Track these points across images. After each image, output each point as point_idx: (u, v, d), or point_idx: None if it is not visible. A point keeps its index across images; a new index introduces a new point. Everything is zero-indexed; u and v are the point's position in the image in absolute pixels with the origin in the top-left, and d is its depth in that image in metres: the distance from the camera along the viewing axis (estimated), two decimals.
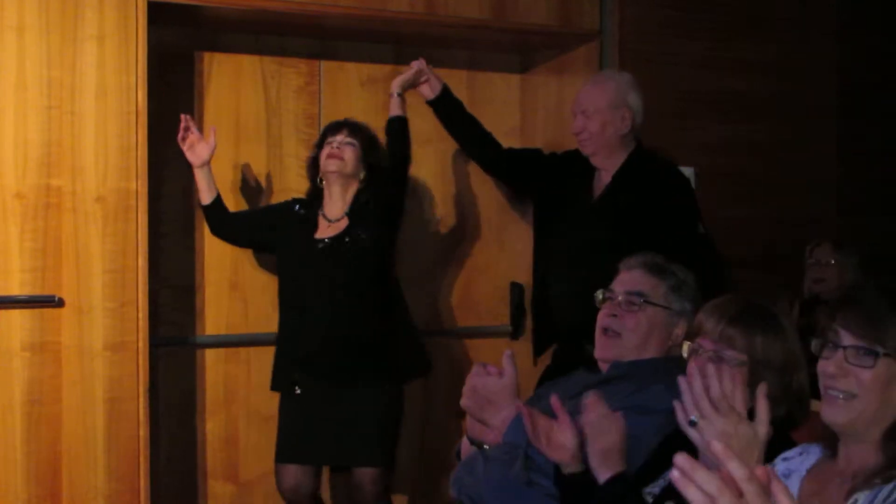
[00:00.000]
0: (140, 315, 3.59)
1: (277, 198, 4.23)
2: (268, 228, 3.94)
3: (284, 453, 3.83)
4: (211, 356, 4.16)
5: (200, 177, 3.85)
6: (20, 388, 3.46)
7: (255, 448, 4.16)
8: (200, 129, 3.87)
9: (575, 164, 3.89)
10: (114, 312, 3.56)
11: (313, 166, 3.94)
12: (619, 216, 3.65)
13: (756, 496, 1.22)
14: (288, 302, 3.87)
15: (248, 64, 4.25)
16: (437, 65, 4.18)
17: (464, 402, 2.62)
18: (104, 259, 3.55)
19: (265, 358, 4.01)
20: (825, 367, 1.82)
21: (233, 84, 4.22)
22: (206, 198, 3.87)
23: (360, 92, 4.41)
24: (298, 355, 3.79)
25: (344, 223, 3.85)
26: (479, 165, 4.26)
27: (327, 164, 3.85)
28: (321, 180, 3.90)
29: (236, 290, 4.19)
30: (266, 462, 3.98)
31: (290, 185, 4.24)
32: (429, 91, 4.04)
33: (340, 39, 4.34)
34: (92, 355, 3.53)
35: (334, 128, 3.91)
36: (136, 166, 3.58)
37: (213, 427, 4.15)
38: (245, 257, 4.19)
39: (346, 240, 3.80)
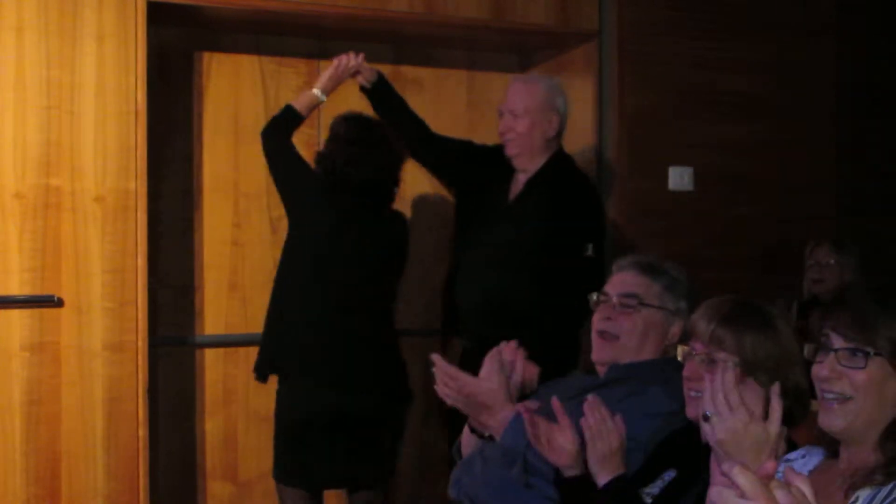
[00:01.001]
0: (139, 315, 3.59)
1: (276, 197, 4.21)
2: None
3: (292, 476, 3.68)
4: (210, 356, 4.16)
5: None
6: (19, 388, 3.46)
7: (254, 448, 4.16)
8: (201, 130, 3.86)
9: (499, 161, 3.80)
10: (113, 312, 3.56)
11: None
12: (529, 220, 3.60)
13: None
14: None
15: (248, 64, 4.25)
16: (436, 64, 4.18)
17: (452, 403, 2.63)
18: (103, 259, 3.55)
19: None
20: (818, 371, 1.83)
21: (232, 84, 4.22)
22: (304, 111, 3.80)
23: (359, 92, 4.40)
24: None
25: None
26: (410, 154, 4.08)
27: None
28: None
29: (235, 290, 4.19)
30: (265, 462, 3.98)
31: None
32: (363, 80, 3.91)
33: (339, 39, 4.33)
34: (91, 355, 3.53)
35: None
36: (135, 166, 3.58)
37: (212, 427, 4.15)
38: (244, 257, 4.19)
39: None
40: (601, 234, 3.71)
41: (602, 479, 2.22)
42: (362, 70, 3.88)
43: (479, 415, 2.61)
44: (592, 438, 2.27)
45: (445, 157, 4.01)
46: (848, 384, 1.79)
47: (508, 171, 3.77)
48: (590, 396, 2.36)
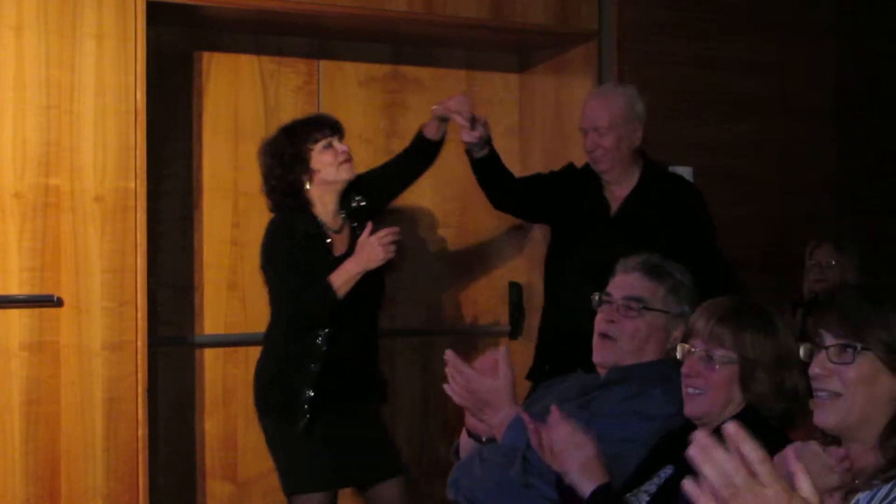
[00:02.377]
0: (139, 314, 3.59)
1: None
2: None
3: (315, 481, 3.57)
4: (209, 356, 4.16)
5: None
6: (19, 388, 3.46)
7: (253, 447, 4.16)
8: (200, 130, 3.86)
9: (579, 180, 3.83)
10: (112, 312, 3.56)
11: (293, 178, 3.54)
12: (640, 230, 3.60)
13: (771, 476, 1.23)
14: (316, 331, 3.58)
15: (247, 63, 4.25)
16: (435, 64, 4.18)
17: (458, 400, 2.62)
18: (103, 258, 3.55)
19: None
20: (811, 369, 1.83)
21: (231, 84, 4.22)
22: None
23: (359, 91, 4.41)
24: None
25: (346, 232, 3.63)
26: (491, 204, 3.99)
27: (341, 172, 3.54)
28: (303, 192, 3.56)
29: (235, 290, 4.19)
30: (264, 461, 3.98)
31: None
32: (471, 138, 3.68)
33: (339, 39, 4.34)
34: (90, 355, 3.53)
35: (313, 124, 3.60)
36: (134, 166, 3.58)
37: (211, 427, 4.15)
38: (243, 257, 4.19)
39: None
40: (713, 227, 3.76)
41: (586, 489, 2.20)
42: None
43: (482, 412, 2.61)
44: (566, 452, 2.25)
45: (523, 199, 3.93)
46: (838, 381, 1.79)
47: (592, 188, 3.77)
48: (553, 412, 2.32)
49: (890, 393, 1.78)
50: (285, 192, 3.57)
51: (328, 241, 3.58)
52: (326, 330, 3.53)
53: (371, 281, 3.55)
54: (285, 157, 3.55)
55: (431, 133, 3.73)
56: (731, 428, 1.27)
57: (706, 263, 3.50)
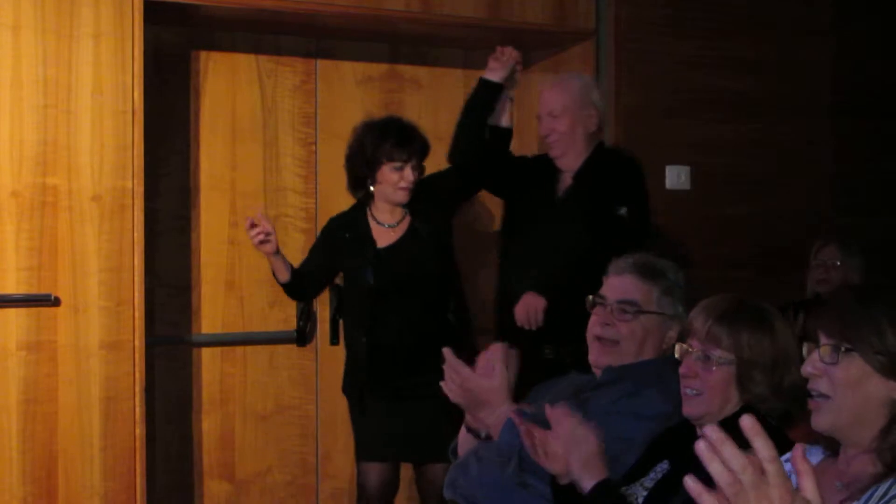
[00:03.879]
0: (136, 314, 3.59)
1: (274, 197, 4.23)
2: (332, 268, 3.83)
3: (372, 451, 3.77)
4: (207, 355, 4.16)
5: (276, 260, 3.65)
6: (16, 387, 3.46)
7: (251, 447, 4.16)
8: (198, 129, 3.86)
9: (542, 168, 3.81)
10: (110, 311, 3.56)
11: (360, 175, 3.72)
12: (580, 212, 3.60)
13: (778, 476, 1.23)
14: (361, 320, 3.74)
15: (245, 63, 4.24)
16: (432, 63, 4.18)
17: (455, 398, 2.62)
18: (100, 258, 3.55)
19: (261, 357, 4.01)
20: (803, 367, 1.82)
21: (229, 83, 4.22)
22: (284, 275, 3.68)
23: (357, 90, 4.41)
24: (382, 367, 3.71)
25: (405, 225, 3.75)
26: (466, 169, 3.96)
27: (397, 196, 3.68)
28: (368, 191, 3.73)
29: (232, 289, 4.19)
30: (262, 461, 3.98)
31: (287, 184, 4.24)
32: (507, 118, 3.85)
33: (337, 38, 4.34)
34: (88, 354, 3.53)
35: (401, 145, 3.67)
36: (131, 165, 3.58)
37: (209, 426, 4.15)
38: (241, 256, 4.19)
39: (413, 238, 3.72)
40: (639, 201, 3.68)
41: (586, 483, 2.20)
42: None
43: (479, 411, 2.61)
44: (568, 446, 2.25)
45: (494, 171, 3.93)
46: (828, 382, 1.78)
47: (550, 176, 3.76)
48: (554, 408, 2.32)
49: (881, 397, 1.76)
50: (352, 180, 3.75)
51: (371, 235, 3.74)
52: (368, 320, 3.70)
53: (412, 271, 3.67)
54: (359, 154, 3.70)
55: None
56: (747, 421, 1.26)
57: (633, 231, 3.54)
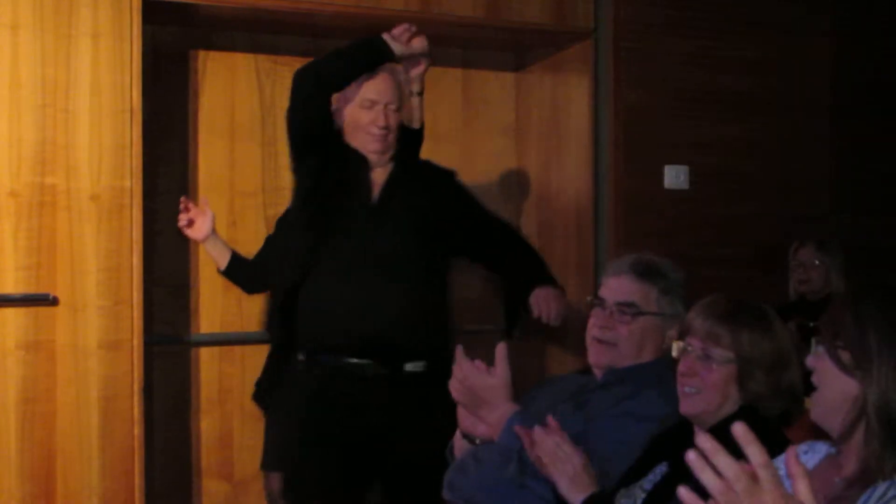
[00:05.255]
0: (134, 313, 3.58)
1: (272, 196, 4.23)
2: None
3: None
4: (205, 354, 4.17)
5: (210, 247, 3.60)
6: (14, 387, 3.45)
7: (249, 447, 4.16)
8: (196, 129, 3.85)
9: (345, 157, 3.39)
10: (108, 311, 3.55)
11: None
12: (404, 219, 3.34)
13: (772, 481, 1.23)
14: None
15: (243, 62, 4.25)
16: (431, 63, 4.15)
17: (456, 396, 2.62)
18: (98, 257, 3.55)
19: (259, 356, 3.99)
20: (807, 360, 1.84)
21: (227, 82, 4.22)
22: (222, 263, 3.61)
23: None
24: None
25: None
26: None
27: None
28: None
29: (231, 289, 4.17)
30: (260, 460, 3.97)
31: (285, 184, 4.22)
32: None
33: (335, 38, 4.33)
34: (86, 354, 3.53)
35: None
36: (130, 164, 3.58)
37: (207, 425, 4.15)
38: None
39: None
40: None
41: (575, 500, 2.20)
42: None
43: (479, 409, 2.60)
44: (554, 465, 2.25)
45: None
46: (816, 375, 1.80)
47: (356, 171, 3.38)
48: (537, 429, 2.32)
49: (844, 393, 1.77)
50: None
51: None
52: None
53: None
54: None
55: (417, 121, 3.54)
56: (739, 429, 1.26)
57: (502, 227, 3.57)
